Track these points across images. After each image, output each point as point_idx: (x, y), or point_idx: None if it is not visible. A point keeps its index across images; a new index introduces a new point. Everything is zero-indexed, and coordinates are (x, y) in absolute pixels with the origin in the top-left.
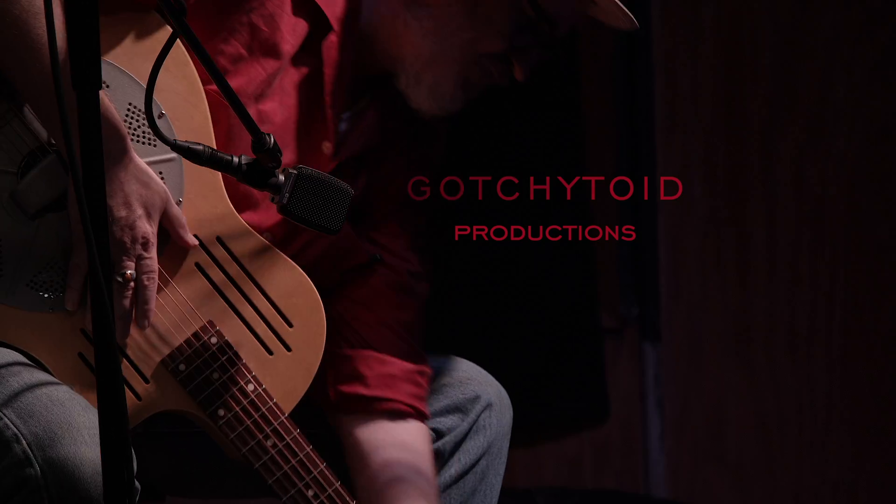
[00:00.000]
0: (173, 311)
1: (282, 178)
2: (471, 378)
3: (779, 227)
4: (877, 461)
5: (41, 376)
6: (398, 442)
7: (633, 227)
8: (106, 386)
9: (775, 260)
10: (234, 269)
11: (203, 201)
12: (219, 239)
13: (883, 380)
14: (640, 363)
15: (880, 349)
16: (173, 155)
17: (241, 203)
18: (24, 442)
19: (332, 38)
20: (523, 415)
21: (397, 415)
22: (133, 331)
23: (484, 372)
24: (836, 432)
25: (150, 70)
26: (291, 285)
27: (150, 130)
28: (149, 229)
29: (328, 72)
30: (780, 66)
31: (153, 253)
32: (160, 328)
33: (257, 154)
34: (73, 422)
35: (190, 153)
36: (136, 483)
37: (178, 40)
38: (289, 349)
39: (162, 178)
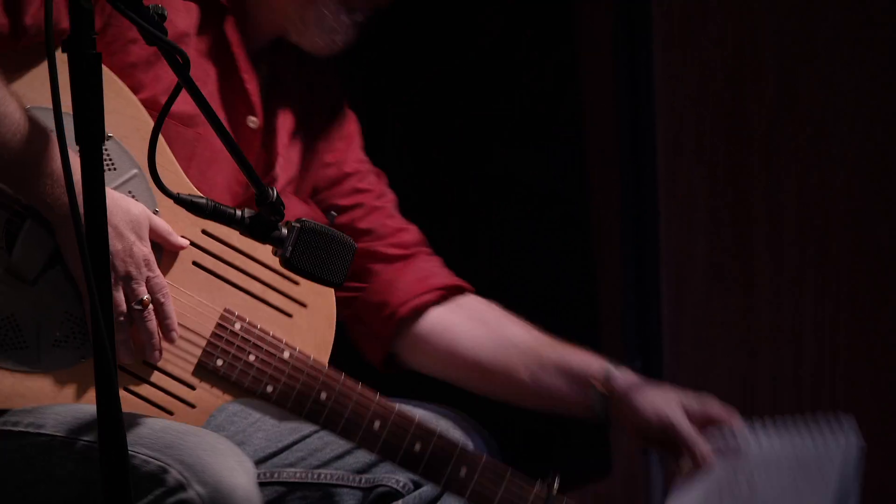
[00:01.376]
0: (190, 313)
1: (284, 231)
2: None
3: (783, 281)
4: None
5: (140, 415)
6: (478, 307)
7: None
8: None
9: (780, 318)
10: (227, 252)
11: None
12: (204, 231)
13: None
14: None
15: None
16: (135, 171)
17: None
18: (174, 471)
19: (230, 18)
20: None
21: (460, 292)
22: (165, 347)
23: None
24: None
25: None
26: None
27: (107, 157)
28: (145, 250)
29: (237, 51)
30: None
31: (157, 270)
32: (185, 335)
33: (260, 207)
34: (215, 448)
35: (193, 206)
36: None
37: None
38: (304, 305)
39: (132, 195)
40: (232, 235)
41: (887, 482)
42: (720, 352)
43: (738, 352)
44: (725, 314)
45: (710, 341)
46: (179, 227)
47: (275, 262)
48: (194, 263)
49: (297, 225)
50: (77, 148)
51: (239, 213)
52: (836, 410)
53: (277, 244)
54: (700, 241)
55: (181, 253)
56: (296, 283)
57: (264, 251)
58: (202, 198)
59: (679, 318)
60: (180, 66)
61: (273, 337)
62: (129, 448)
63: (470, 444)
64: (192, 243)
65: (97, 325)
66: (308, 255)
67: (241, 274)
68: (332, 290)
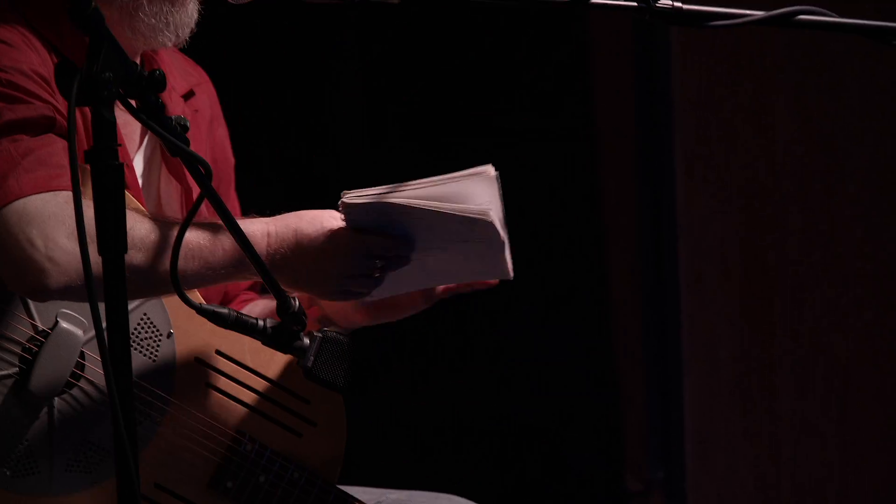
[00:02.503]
0: (201, 435)
1: (306, 340)
2: None
3: (808, 393)
4: None
5: None
6: None
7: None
8: None
9: (803, 426)
10: (240, 372)
11: (190, 323)
12: (218, 352)
13: None
14: None
15: None
16: None
17: None
18: None
19: None
20: None
21: None
22: (177, 470)
23: None
24: None
25: None
26: (293, 365)
27: None
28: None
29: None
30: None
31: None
32: (197, 456)
33: (282, 317)
34: None
35: (216, 317)
36: None
37: None
38: (314, 424)
39: (148, 318)
40: (245, 355)
41: None
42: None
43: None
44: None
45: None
46: (193, 350)
47: (287, 381)
48: (207, 384)
49: (319, 335)
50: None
51: (261, 323)
52: None
53: (299, 354)
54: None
55: (195, 373)
56: (307, 401)
57: (276, 370)
58: (224, 308)
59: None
60: (202, 175)
61: (282, 457)
62: None
63: None
64: (207, 364)
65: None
66: (329, 366)
67: (253, 394)
68: (343, 409)
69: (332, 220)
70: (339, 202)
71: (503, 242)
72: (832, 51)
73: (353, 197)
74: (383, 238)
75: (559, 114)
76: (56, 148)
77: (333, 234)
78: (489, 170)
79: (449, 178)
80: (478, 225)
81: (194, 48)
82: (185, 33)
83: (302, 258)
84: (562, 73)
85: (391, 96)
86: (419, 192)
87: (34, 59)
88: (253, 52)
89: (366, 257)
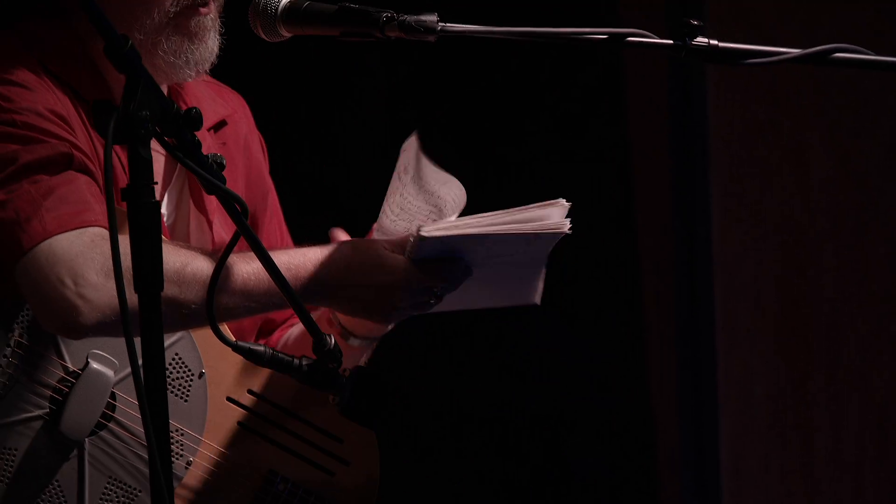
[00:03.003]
0: (234, 475)
1: (342, 378)
2: None
3: (843, 430)
4: None
5: None
6: None
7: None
8: None
9: (839, 463)
10: (272, 412)
11: (222, 362)
12: (250, 391)
13: None
14: None
15: None
16: (180, 334)
17: None
18: None
19: None
20: None
21: None
22: None
23: None
24: None
25: None
26: (325, 403)
27: None
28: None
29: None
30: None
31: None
32: (229, 497)
33: (317, 355)
34: None
35: (251, 354)
36: None
37: None
38: (347, 463)
39: (180, 358)
40: (278, 394)
41: None
42: None
43: None
44: None
45: None
46: (227, 388)
47: (320, 420)
48: (239, 424)
49: (354, 372)
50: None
51: (296, 361)
52: None
53: (334, 392)
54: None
55: (227, 413)
56: (340, 440)
57: (310, 409)
58: (260, 346)
59: None
60: (238, 213)
61: (316, 497)
62: None
63: None
64: (238, 403)
65: (156, 481)
66: (365, 403)
67: (284, 434)
68: (376, 447)
69: (384, 249)
70: (414, 235)
71: (544, 261)
72: (868, 88)
73: (431, 230)
74: (441, 269)
75: (596, 152)
76: (77, 184)
77: (390, 267)
78: (562, 201)
79: (523, 208)
80: (543, 239)
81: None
82: (206, 68)
83: (357, 289)
84: (597, 114)
85: (417, 117)
86: (496, 220)
87: (50, 99)
88: (278, 71)
89: (423, 289)
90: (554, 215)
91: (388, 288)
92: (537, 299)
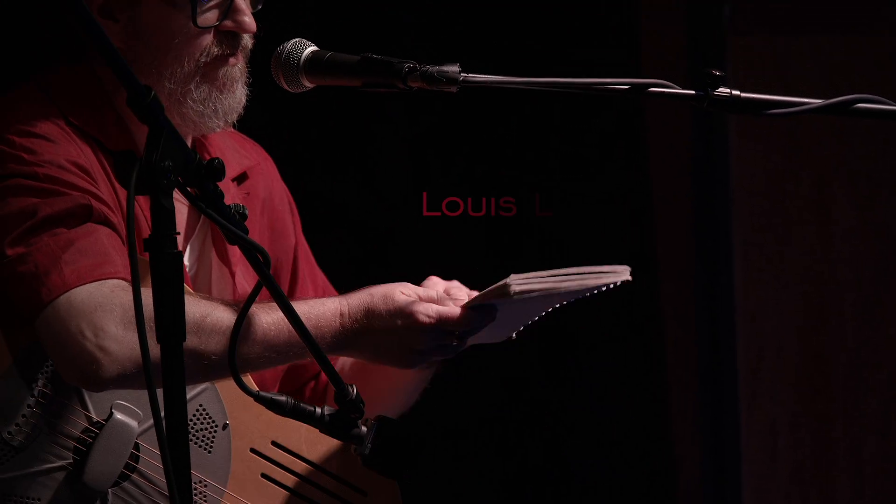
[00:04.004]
0: None
1: (364, 428)
2: None
3: (865, 477)
4: None
5: None
6: None
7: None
8: None
9: None
10: (296, 463)
11: (246, 413)
12: (274, 443)
13: None
14: None
15: None
16: (204, 385)
17: None
18: None
19: None
20: None
21: None
22: None
23: None
24: None
25: None
26: (349, 455)
27: None
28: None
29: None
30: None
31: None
32: None
33: (339, 404)
34: None
35: (273, 405)
36: None
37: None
38: None
39: (204, 410)
40: (302, 446)
41: None
42: None
43: None
44: None
45: None
46: (250, 439)
47: (344, 472)
48: (263, 475)
49: (376, 423)
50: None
51: (318, 410)
52: None
53: (357, 442)
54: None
55: (250, 465)
56: (364, 493)
57: (333, 461)
58: (282, 396)
59: None
60: (261, 263)
61: None
62: None
63: None
64: (262, 455)
65: None
66: (387, 452)
67: (309, 486)
68: (400, 500)
69: (403, 295)
70: (507, 285)
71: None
72: (889, 139)
73: (520, 283)
74: (459, 313)
75: (617, 198)
76: (96, 237)
77: (408, 310)
78: (627, 268)
79: (591, 268)
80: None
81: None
82: (233, 118)
83: (378, 336)
84: (618, 160)
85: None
86: (568, 277)
87: (72, 151)
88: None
89: (442, 332)
90: (616, 277)
91: (407, 331)
92: (514, 336)
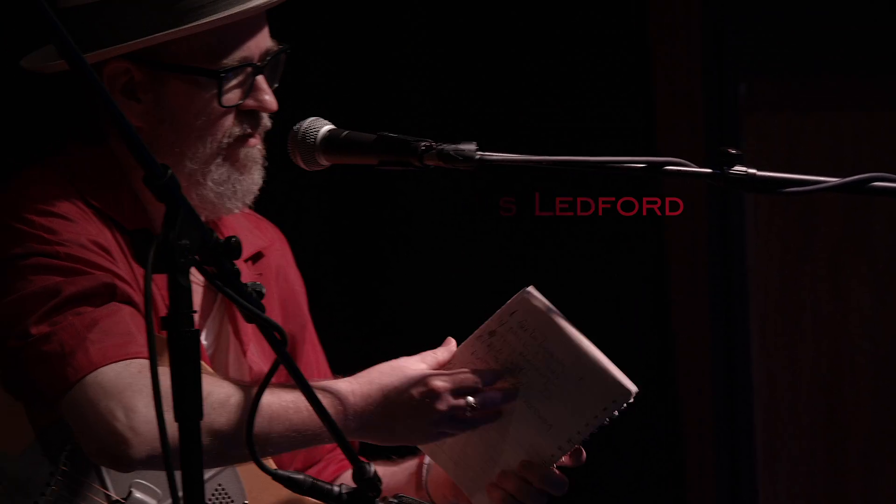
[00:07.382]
0: None
1: None
2: None
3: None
4: None
5: None
6: None
7: None
8: None
9: None
10: None
11: (265, 493)
12: None
13: None
14: None
15: None
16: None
17: None
18: None
19: None
20: None
21: None
22: None
23: None
24: None
25: None
26: None
27: None
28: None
29: None
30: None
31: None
32: None
33: (357, 483)
34: None
35: (291, 483)
36: None
37: None
38: None
39: (223, 489)
40: None
41: None
42: None
43: None
44: None
45: None
46: None
47: None
48: None
49: (395, 501)
50: None
51: (336, 489)
52: None
53: None
54: None
55: None
56: None
57: None
58: (300, 474)
59: None
60: (278, 342)
61: None
62: None
63: None
64: None
65: None
66: None
67: None
68: None
69: (408, 367)
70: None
71: None
72: None
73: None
74: (467, 373)
75: (636, 280)
76: (121, 316)
77: (417, 378)
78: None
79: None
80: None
81: None
82: (250, 200)
83: (391, 410)
84: (636, 242)
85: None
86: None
87: (92, 230)
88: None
89: (453, 394)
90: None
91: (422, 398)
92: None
